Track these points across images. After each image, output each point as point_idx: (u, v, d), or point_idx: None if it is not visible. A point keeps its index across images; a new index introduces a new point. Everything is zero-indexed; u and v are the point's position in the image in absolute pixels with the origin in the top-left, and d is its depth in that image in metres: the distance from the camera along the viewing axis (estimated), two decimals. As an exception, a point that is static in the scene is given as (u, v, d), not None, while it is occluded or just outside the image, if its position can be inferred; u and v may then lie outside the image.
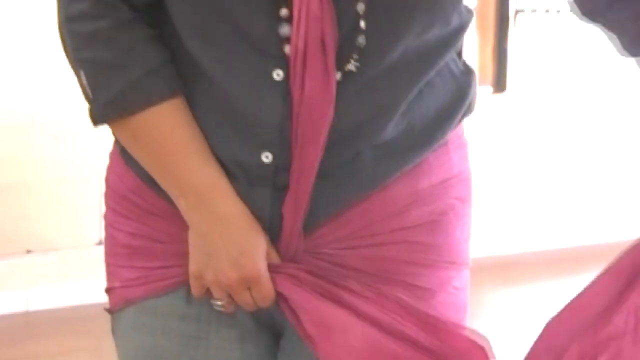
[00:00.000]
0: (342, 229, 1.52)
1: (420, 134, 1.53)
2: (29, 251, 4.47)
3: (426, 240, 1.55)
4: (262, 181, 1.47)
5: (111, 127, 1.48)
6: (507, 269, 5.39)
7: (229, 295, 1.49)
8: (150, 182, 1.50)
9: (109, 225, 1.60)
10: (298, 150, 1.45)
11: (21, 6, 4.75)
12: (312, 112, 1.44)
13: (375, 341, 1.52)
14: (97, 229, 4.51)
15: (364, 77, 1.45)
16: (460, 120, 1.57)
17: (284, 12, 1.40)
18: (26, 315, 4.34)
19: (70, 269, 4.44)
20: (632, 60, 1.60)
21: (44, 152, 4.91)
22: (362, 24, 1.42)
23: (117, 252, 1.58)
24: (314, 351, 1.50)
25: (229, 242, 1.48)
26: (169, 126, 1.47)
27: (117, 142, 1.57)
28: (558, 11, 5.92)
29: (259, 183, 1.48)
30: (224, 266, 1.48)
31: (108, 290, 1.59)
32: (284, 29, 1.41)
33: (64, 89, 4.41)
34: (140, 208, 1.56)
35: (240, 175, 1.48)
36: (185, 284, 1.52)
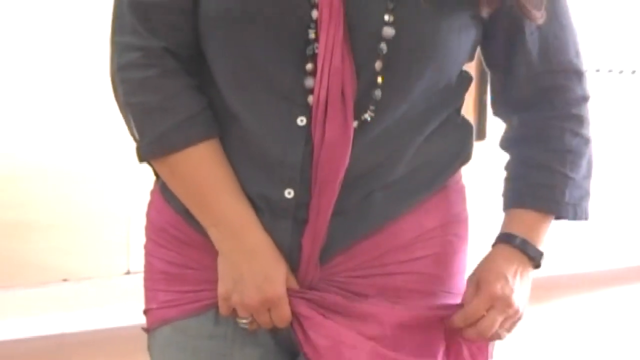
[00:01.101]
0: (355, 260, 1.55)
1: (424, 178, 1.57)
2: (65, 280, 4.40)
3: (429, 272, 1.58)
4: (285, 214, 1.51)
5: (154, 164, 1.54)
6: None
7: (252, 316, 1.52)
8: (187, 216, 1.56)
9: (148, 254, 1.66)
10: (317, 188, 1.49)
11: (50, 57, 4.77)
12: (330, 155, 1.48)
13: (381, 355, 1.53)
14: (125, 261, 4.52)
15: (378, 126, 1.49)
16: (458, 168, 1.62)
17: (309, 66, 1.45)
18: (62, 336, 4.22)
19: (101, 295, 4.44)
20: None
21: (77, 194, 4.94)
22: (379, 79, 1.46)
23: (154, 278, 1.64)
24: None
25: (254, 269, 1.50)
26: (205, 164, 1.51)
27: (157, 181, 1.64)
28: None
29: (282, 216, 1.51)
30: (249, 290, 1.50)
31: (146, 312, 1.65)
32: (309, 82, 1.46)
33: (98, 139, 4.59)
34: (176, 239, 1.60)
35: (265, 209, 1.51)
36: (214, 306, 1.57)
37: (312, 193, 1.49)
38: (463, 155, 1.60)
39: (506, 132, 1.68)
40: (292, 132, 1.47)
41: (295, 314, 1.53)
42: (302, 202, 1.49)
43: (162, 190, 1.60)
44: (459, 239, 1.61)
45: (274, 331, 1.56)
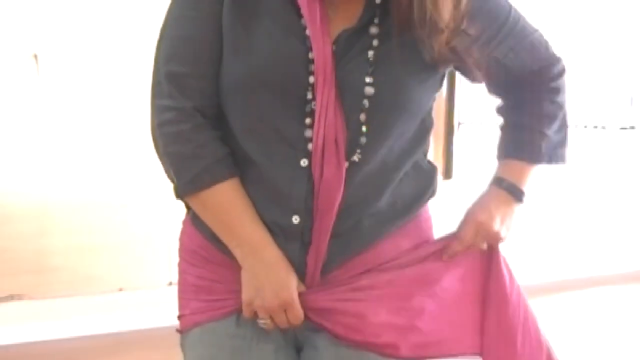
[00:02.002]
0: (347, 273, 1.57)
1: (400, 209, 1.59)
2: (120, 289, 4.40)
3: (408, 297, 1.60)
4: (293, 237, 1.53)
5: (189, 199, 1.56)
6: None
7: (270, 317, 1.54)
8: (213, 240, 1.58)
9: (182, 272, 1.68)
10: (318, 216, 1.51)
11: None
12: (328, 189, 1.50)
13: (395, 305, 1.57)
14: (167, 274, 4.49)
15: (364, 166, 1.52)
16: (427, 201, 1.65)
17: (308, 120, 1.48)
18: (119, 334, 4.20)
19: (149, 302, 4.38)
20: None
21: (130, 221, 4.94)
22: (364, 128, 1.49)
23: (187, 290, 1.65)
24: (345, 338, 1.56)
25: (271, 279, 1.52)
26: (229, 198, 1.52)
27: (188, 213, 1.66)
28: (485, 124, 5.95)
29: (291, 238, 1.53)
30: (268, 296, 1.52)
31: (180, 317, 1.66)
32: (308, 132, 1.48)
33: (145, 177, 4.63)
34: (205, 259, 1.62)
35: (278, 233, 1.53)
36: (235, 312, 1.59)
37: (314, 220, 1.50)
38: (430, 191, 1.63)
39: (499, 103, 1.73)
40: (296, 171, 1.49)
41: (315, 309, 1.55)
42: (307, 227, 1.50)
43: (193, 220, 1.61)
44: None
45: (283, 331, 1.57)
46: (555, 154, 1.70)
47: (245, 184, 1.52)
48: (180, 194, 1.54)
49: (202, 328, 1.60)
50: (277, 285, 1.52)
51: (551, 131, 1.68)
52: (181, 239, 1.67)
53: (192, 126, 1.50)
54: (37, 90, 7.14)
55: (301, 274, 1.54)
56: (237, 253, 1.53)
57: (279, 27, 1.47)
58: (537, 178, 1.71)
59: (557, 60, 1.69)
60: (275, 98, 1.46)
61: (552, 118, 1.68)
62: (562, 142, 1.71)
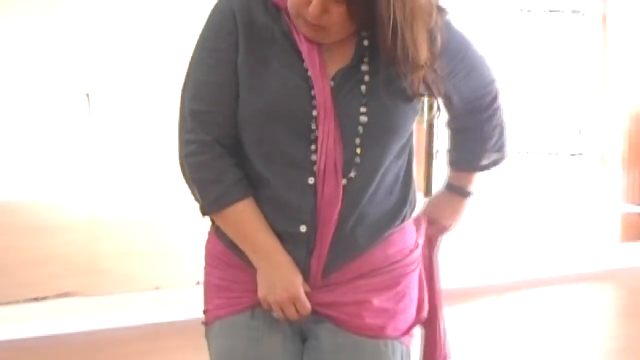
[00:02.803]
0: (344, 276, 1.56)
1: (387, 221, 1.57)
2: (157, 288, 4.36)
3: (394, 276, 1.60)
4: (300, 244, 1.53)
5: (214, 216, 1.57)
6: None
7: (282, 310, 1.54)
8: (232, 248, 1.57)
9: (207, 274, 1.67)
10: (321, 226, 1.51)
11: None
12: (328, 204, 1.50)
13: (384, 296, 1.58)
14: (196, 276, 4.40)
15: (359, 183, 1.52)
16: (410, 214, 1.63)
17: (313, 147, 1.48)
18: (157, 325, 4.16)
19: (181, 298, 4.29)
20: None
21: (163, 231, 5.04)
22: (359, 150, 1.50)
23: (211, 289, 1.65)
24: (349, 326, 1.56)
25: (281, 278, 1.53)
26: (246, 214, 1.53)
27: (212, 226, 1.64)
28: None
29: (298, 245, 1.53)
30: (279, 292, 1.53)
31: (205, 312, 1.66)
32: (314, 157, 1.49)
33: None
34: (225, 264, 1.62)
35: (288, 240, 1.53)
36: (250, 307, 1.58)
37: (317, 229, 1.50)
38: (411, 206, 1.62)
39: (449, 119, 1.73)
40: (305, 189, 1.49)
41: (320, 304, 1.55)
42: (312, 235, 1.50)
43: (216, 232, 1.61)
44: (412, 260, 1.63)
45: (292, 323, 1.57)
46: (493, 163, 1.75)
47: (259, 199, 1.52)
48: (206, 212, 1.56)
49: (222, 321, 1.59)
50: (287, 283, 1.52)
51: (490, 146, 1.72)
52: (206, 247, 1.67)
53: (213, 156, 1.50)
54: (89, 126, 7.19)
55: (306, 276, 1.54)
56: (253, 258, 1.54)
57: (285, 70, 1.48)
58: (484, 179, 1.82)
59: (496, 86, 1.70)
60: (285, 129, 1.48)
61: (491, 137, 1.72)
62: (501, 153, 1.75)
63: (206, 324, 1.64)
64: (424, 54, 1.45)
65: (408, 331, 1.62)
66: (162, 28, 6.90)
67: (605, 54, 7.59)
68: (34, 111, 7.09)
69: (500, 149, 1.74)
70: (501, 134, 1.73)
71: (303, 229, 1.51)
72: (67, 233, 6.30)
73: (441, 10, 1.51)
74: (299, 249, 1.52)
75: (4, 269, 4.97)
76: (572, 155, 8.46)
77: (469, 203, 1.79)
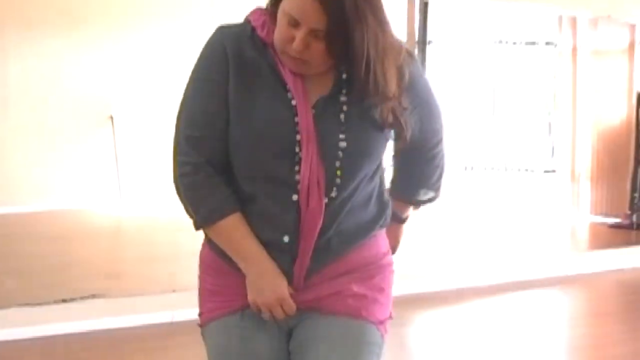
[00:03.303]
0: (323, 276, 1.57)
1: (361, 231, 1.58)
2: (174, 290, 4.33)
3: (369, 271, 1.60)
4: (284, 252, 1.53)
5: (206, 229, 1.56)
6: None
7: (270, 311, 1.54)
8: (223, 257, 1.57)
9: (201, 280, 1.65)
10: (303, 237, 1.51)
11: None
12: (312, 217, 1.50)
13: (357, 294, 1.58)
14: None
15: (338, 200, 1.52)
16: (382, 226, 1.63)
17: (296, 168, 1.49)
18: (172, 324, 4.11)
19: (194, 299, 4.30)
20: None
21: (180, 240, 4.89)
22: (338, 172, 1.51)
23: (205, 294, 1.64)
24: (331, 310, 1.57)
25: (269, 283, 1.53)
26: (235, 226, 1.53)
27: (205, 238, 1.63)
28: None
29: (283, 252, 1.53)
30: (267, 295, 1.53)
31: (200, 314, 1.65)
32: (297, 176, 1.49)
33: None
34: (216, 271, 1.61)
35: (273, 249, 1.53)
36: (240, 309, 1.57)
37: (300, 239, 1.51)
38: (383, 218, 1.62)
39: (395, 155, 1.71)
40: (288, 204, 1.49)
41: (304, 302, 1.55)
42: (294, 245, 1.51)
43: (208, 242, 1.60)
44: (385, 261, 1.64)
45: (278, 323, 1.56)
46: (428, 200, 1.74)
47: (246, 213, 1.52)
48: (199, 226, 1.55)
49: (216, 322, 1.58)
50: (273, 287, 1.52)
51: (428, 184, 1.71)
52: (200, 256, 1.65)
53: (205, 175, 1.51)
54: (113, 144, 7.21)
55: (290, 279, 1.54)
56: (242, 265, 1.53)
57: (271, 100, 1.49)
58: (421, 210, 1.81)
59: (442, 134, 1.70)
60: (271, 152, 1.49)
61: (430, 177, 1.71)
62: (437, 192, 1.73)
63: (201, 325, 1.63)
64: (392, 87, 1.47)
65: (383, 322, 1.61)
66: (177, 59, 6.98)
67: (574, 81, 7.62)
68: (64, 131, 7.13)
69: (436, 189, 1.73)
70: (439, 176, 1.73)
71: (286, 239, 1.51)
72: (92, 240, 6.32)
73: (410, 55, 1.55)
74: (283, 256, 1.53)
75: (36, 273, 5.00)
76: (546, 171, 8.48)
77: (405, 227, 1.78)
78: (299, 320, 1.58)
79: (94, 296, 4.17)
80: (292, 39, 1.43)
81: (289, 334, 1.60)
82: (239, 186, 1.52)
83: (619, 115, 7.26)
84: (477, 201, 8.31)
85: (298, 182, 1.48)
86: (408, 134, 1.56)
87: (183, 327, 3.98)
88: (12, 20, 6.78)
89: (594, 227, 7.19)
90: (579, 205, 7.50)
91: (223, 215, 1.51)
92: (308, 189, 1.48)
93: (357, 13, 1.40)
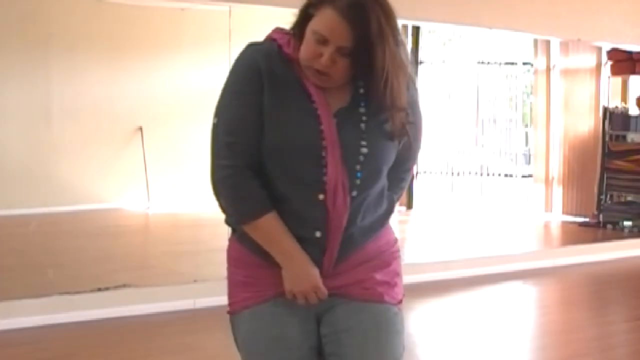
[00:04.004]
0: (347, 265, 1.56)
1: (376, 223, 1.58)
2: (195, 280, 4.32)
3: (385, 259, 1.61)
4: (315, 246, 1.52)
5: (246, 226, 1.52)
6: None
7: (305, 297, 1.52)
8: (254, 251, 1.54)
9: (232, 273, 1.61)
10: (331, 232, 1.50)
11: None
12: (338, 215, 1.49)
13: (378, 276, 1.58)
14: (225, 271, 4.40)
15: (359, 199, 1.52)
16: (390, 218, 1.63)
17: (323, 171, 1.48)
18: (194, 310, 4.13)
19: (212, 289, 4.31)
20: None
21: (200, 234, 4.87)
22: (359, 174, 1.50)
23: (237, 285, 1.60)
24: (361, 300, 1.55)
25: (304, 273, 1.52)
26: (273, 223, 1.50)
27: (233, 234, 1.59)
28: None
29: (314, 246, 1.52)
30: (303, 284, 1.52)
31: (231, 304, 1.60)
32: (324, 178, 1.48)
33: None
34: (248, 264, 1.57)
35: (306, 243, 1.51)
36: (272, 298, 1.55)
37: (328, 234, 1.49)
38: (391, 212, 1.62)
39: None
40: (316, 203, 1.48)
41: (333, 288, 1.53)
42: (324, 239, 1.50)
43: (238, 239, 1.57)
44: (395, 248, 1.64)
45: (307, 308, 1.54)
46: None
47: (280, 212, 1.50)
48: (240, 223, 1.52)
49: (250, 310, 1.55)
50: (308, 276, 1.51)
51: (396, 197, 1.66)
52: (229, 252, 1.62)
53: (244, 177, 1.49)
54: (142, 152, 7.24)
55: (320, 269, 1.53)
56: (279, 258, 1.51)
57: (299, 110, 1.48)
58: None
59: (411, 172, 1.68)
60: (300, 157, 1.48)
61: (400, 190, 1.66)
62: (398, 199, 1.68)
63: (232, 313, 1.60)
64: (404, 99, 1.47)
65: (401, 300, 1.62)
66: (195, 81, 7.07)
67: (548, 96, 7.61)
68: (99, 140, 7.19)
69: (399, 198, 1.68)
70: (403, 190, 1.68)
71: (318, 234, 1.50)
72: (124, 236, 6.35)
73: (411, 76, 1.53)
74: (314, 249, 1.51)
75: (74, 265, 5.03)
76: (523, 176, 8.48)
77: None
78: (328, 306, 1.56)
79: (125, 286, 4.18)
80: (320, 55, 1.43)
81: (318, 319, 1.57)
82: (272, 188, 1.50)
83: (587, 127, 7.25)
84: (462, 202, 8.31)
85: (325, 183, 1.47)
86: (414, 144, 1.56)
87: (204, 314, 4.06)
88: (56, 43, 6.85)
89: (565, 225, 7.16)
90: (552, 206, 7.50)
91: (262, 213, 1.49)
92: (334, 189, 1.47)
93: (380, 34, 1.40)
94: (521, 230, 7.15)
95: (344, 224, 1.49)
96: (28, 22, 6.62)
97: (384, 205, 1.59)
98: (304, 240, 1.50)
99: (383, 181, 1.57)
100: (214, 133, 1.51)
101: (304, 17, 1.48)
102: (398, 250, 1.65)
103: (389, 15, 1.42)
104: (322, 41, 1.43)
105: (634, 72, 6.99)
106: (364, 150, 1.48)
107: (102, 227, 6.57)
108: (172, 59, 7.35)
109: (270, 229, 1.49)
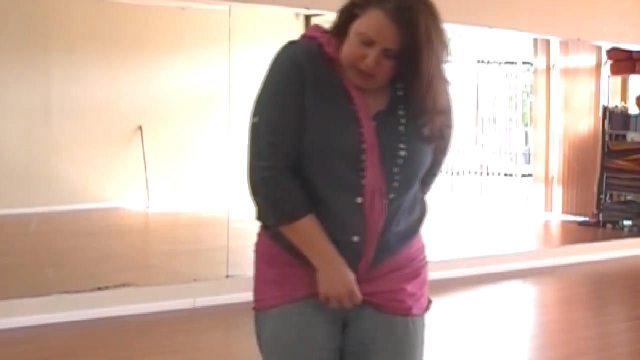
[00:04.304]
0: (380, 271, 1.54)
1: (410, 230, 1.57)
2: (195, 280, 4.32)
3: (416, 268, 1.59)
4: (353, 251, 1.50)
5: (284, 227, 1.49)
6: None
7: (339, 302, 1.50)
8: (289, 250, 1.52)
9: (260, 270, 1.58)
10: (369, 236, 1.49)
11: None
12: (376, 220, 1.48)
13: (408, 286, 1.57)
14: (225, 270, 4.43)
15: (396, 203, 1.50)
16: (423, 224, 1.62)
17: (362, 174, 1.46)
18: (192, 310, 4.14)
19: (213, 288, 4.31)
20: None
21: (198, 234, 4.90)
22: (397, 177, 1.49)
23: (266, 283, 1.56)
24: (390, 313, 1.55)
25: (340, 277, 1.50)
26: (311, 226, 1.48)
27: (265, 232, 1.56)
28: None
29: (351, 251, 1.50)
30: (339, 288, 1.50)
31: (258, 301, 1.57)
32: (363, 181, 1.47)
33: None
34: (281, 262, 1.55)
35: (344, 247, 1.49)
36: (302, 298, 1.53)
37: (365, 238, 1.48)
38: (424, 218, 1.60)
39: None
40: (354, 207, 1.46)
41: (366, 294, 1.51)
42: (362, 243, 1.48)
43: (272, 237, 1.54)
44: (423, 255, 1.62)
45: (334, 311, 1.52)
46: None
47: (318, 215, 1.48)
48: (278, 224, 1.50)
49: (278, 309, 1.53)
50: (345, 281, 1.49)
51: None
52: (259, 250, 1.59)
53: (286, 179, 1.47)
54: (142, 151, 7.24)
55: (355, 274, 1.51)
56: (315, 261, 1.49)
57: (339, 111, 1.46)
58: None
59: (436, 180, 1.67)
60: (340, 159, 1.46)
61: (425, 194, 1.65)
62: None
63: (258, 310, 1.57)
64: (445, 103, 1.48)
65: (426, 309, 1.62)
66: (193, 82, 7.07)
67: (548, 96, 7.61)
68: (99, 140, 7.19)
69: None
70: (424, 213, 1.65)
71: (355, 239, 1.48)
72: (124, 236, 6.35)
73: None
74: (351, 254, 1.49)
75: (75, 265, 5.03)
76: (523, 176, 8.48)
77: None
78: (356, 313, 1.54)
79: (125, 285, 4.18)
80: (364, 56, 1.42)
81: (344, 323, 1.55)
82: (311, 190, 1.48)
83: (587, 126, 7.25)
84: (462, 202, 8.31)
85: (364, 186, 1.45)
86: (447, 149, 1.56)
87: (203, 313, 4.07)
88: (56, 44, 6.86)
89: (565, 225, 7.17)
90: (552, 206, 7.50)
91: (302, 215, 1.47)
92: (372, 193, 1.46)
93: (428, 37, 1.39)
94: (521, 229, 7.15)
95: (380, 229, 1.48)
96: (28, 21, 6.62)
97: (418, 211, 1.58)
98: (341, 245, 1.48)
99: (417, 186, 1.55)
100: (254, 133, 1.49)
101: (348, 17, 1.46)
102: (426, 258, 1.64)
103: (436, 19, 1.42)
104: (368, 43, 1.41)
105: (634, 72, 6.99)
106: (403, 153, 1.47)
107: (102, 226, 6.57)
108: (173, 59, 7.35)
109: (309, 231, 1.48)
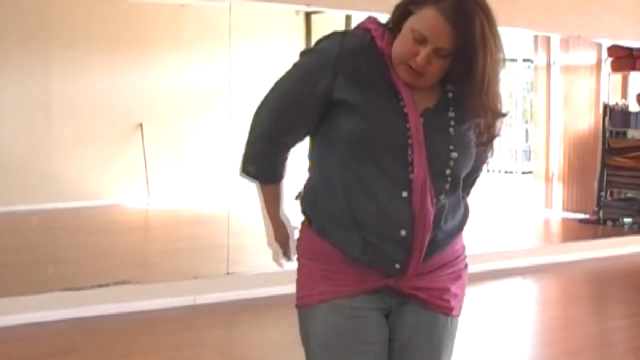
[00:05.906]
0: (429, 267, 1.55)
1: (456, 229, 1.58)
2: (195, 277, 4.31)
3: (459, 267, 1.61)
4: (400, 245, 1.49)
5: (245, 175, 1.58)
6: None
7: (274, 253, 1.60)
8: (337, 244, 1.52)
9: (306, 266, 1.58)
10: (418, 232, 1.48)
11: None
12: (425, 216, 1.47)
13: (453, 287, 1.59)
14: (225, 267, 4.44)
15: (445, 203, 1.51)
16: (467, 223, 1.63)
17: (409, 169, 1.46)
18: (195, 306, 4.15)
19: (212, 285, 4.31)
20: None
21: (198, 233, 4.88)
22: (449, 179, 1.50)
23: (312, 278, 1.56)
24: (433, 311, 1.57)
25: (277, 235, 1.62)
26: (272, 190, 1.60)
27: (311, 227, 1.56)
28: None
29: (399, 245, 1.49)
30: (273, 243, 1.61)
31: (303, 297, 1.57)
32: (410, 176, 1.46)
33: None
34: (329, 257, 1.54)
35: (390, 241, 1.48)
36: (352, 293, 1.53)
37: (414, 234, 1.47)
38: (467, 217, 1.61)
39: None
40: (400, 200, 1.46)
41: (415, 288, 1.53)
42: (410, 238, 1.47)
43: (319, 232, 1.54)
44: (464, 255, 1.64)
45: (382, 305, 1.54)
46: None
47: (369, 208, 1.47)
48: (250, 175, 1.57)
49: (328, 304, 1.53)
50: (280, 239, 1.62)
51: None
52: (305, 246, 1.59)
53: (277, 151, 1.56)
54: (142, 148, 7.24)
55: (405, 268, 1.50)
56: (264, 219, 1.62)
57: (385, 105, 1.45)
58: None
59: (480, 177, 1.69)
60: (386, 152, 1.46)
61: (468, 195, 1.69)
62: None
63: (304, 306, 1.56)
64: (501, 106, 1.47)
65: (461, 309, 1.64)
66: (193, 78, 7.07)
67: (549, 93, 7.61)
68: (99, 137, 7.19)
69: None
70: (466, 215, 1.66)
71: (403, 233, 1.47)
72: (124, 233, 6.35)
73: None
74: (399, 248, 1.48)
75: (75, 262, 5.03)
76: (524, 173, 8.48)
77: None
78: (399, 306, 1.56)
79: (125, 282, 4.18)
80: (416, 53, 1.41)
81: (386, 315, 1.57)
82: (361, 180, 1.47)
83: (587, 123, 7.25)
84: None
85: (411, 181, 1.45)
86: (491, 154, 1.57)
87: (204, 310, 4.08)
88: (55, 40, 6.86)
89: (565, 222, 7.18)
90: (552, 203, 7.50)
91: (275, 182, 1.58)
92: (421, 189, 1.45)
93: (483, 39, 1.38)
94: (521, 226, 7.15)
95: (430, 225, 1.47)
96: (27, 19, 6.62)
97: (461, 210, 1.58)
98: (389, 239, 1.47)
99: (459, 186, 1.55)
100: (271, 91, 1.52)
101: (403, 13, 1.45)
102: (466, 257, 1.65)
103: (491, 21, 1.41)
104: (421, 40, 1.40)
105: (634, 69, 6.99)
106: (454, 155, 1.47)
107: (102, 223, 6.58)
108: (172, 56, 7.34)
109: (270, 194, 1.59)
